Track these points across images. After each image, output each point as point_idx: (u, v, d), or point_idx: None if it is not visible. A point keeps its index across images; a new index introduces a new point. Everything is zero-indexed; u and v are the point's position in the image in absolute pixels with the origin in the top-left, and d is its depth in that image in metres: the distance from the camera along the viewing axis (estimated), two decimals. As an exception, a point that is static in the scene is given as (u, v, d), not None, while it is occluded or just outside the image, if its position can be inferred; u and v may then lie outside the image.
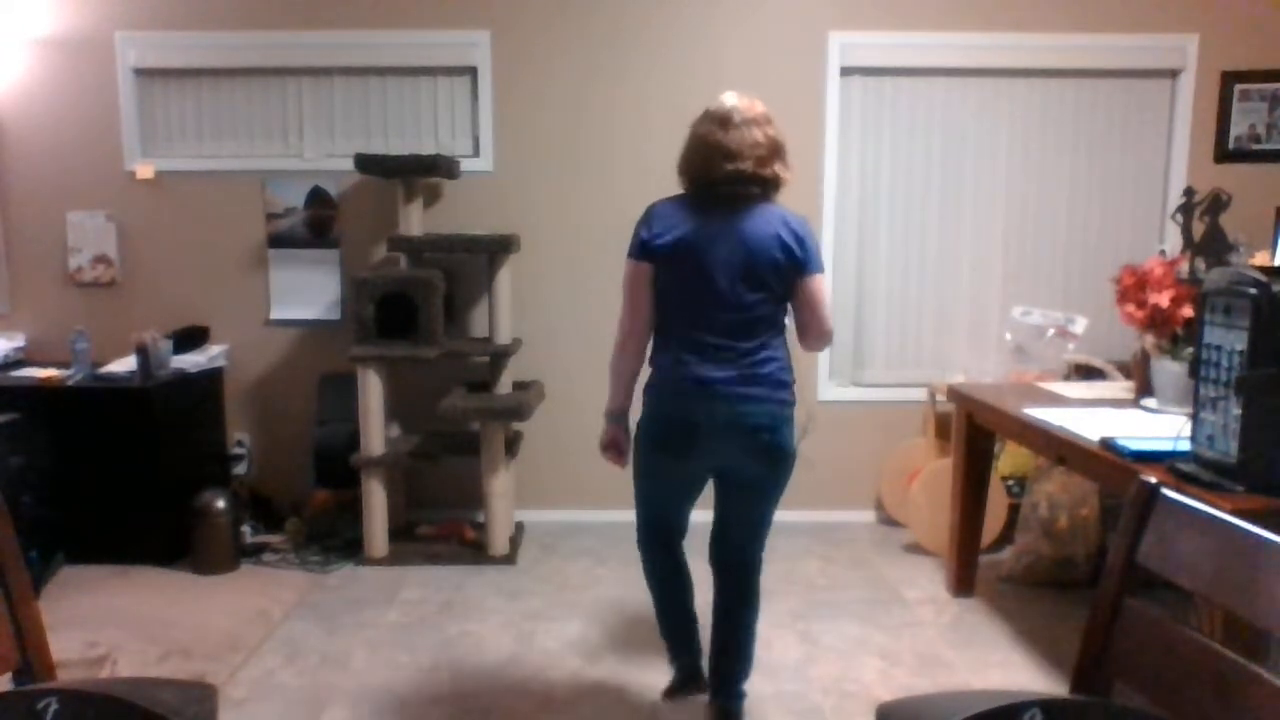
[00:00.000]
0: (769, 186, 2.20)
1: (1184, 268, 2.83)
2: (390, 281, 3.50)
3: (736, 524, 2.32)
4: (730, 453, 2.17)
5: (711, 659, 2.37)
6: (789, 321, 2.27)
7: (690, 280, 2.15)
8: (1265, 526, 1.21)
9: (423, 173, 3.64)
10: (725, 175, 2.14)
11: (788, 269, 2.15)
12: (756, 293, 2.15)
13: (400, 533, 3.80)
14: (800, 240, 2.16)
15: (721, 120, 2.16)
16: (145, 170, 3.96)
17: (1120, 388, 3.18)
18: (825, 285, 2.21)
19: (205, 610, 3.13)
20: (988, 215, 4.04)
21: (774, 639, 2.94)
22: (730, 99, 2.20)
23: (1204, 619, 1.95)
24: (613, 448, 2.35)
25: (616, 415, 2.33)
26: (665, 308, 2.22)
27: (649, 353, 2.28)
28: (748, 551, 2.34)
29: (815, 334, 2.22)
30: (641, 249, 2.20)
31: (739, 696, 2.35)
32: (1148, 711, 1.30)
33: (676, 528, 2.40)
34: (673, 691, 2.45)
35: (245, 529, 3.69)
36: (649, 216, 2.22)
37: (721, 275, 2.13)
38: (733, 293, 2.14)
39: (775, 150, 2.19)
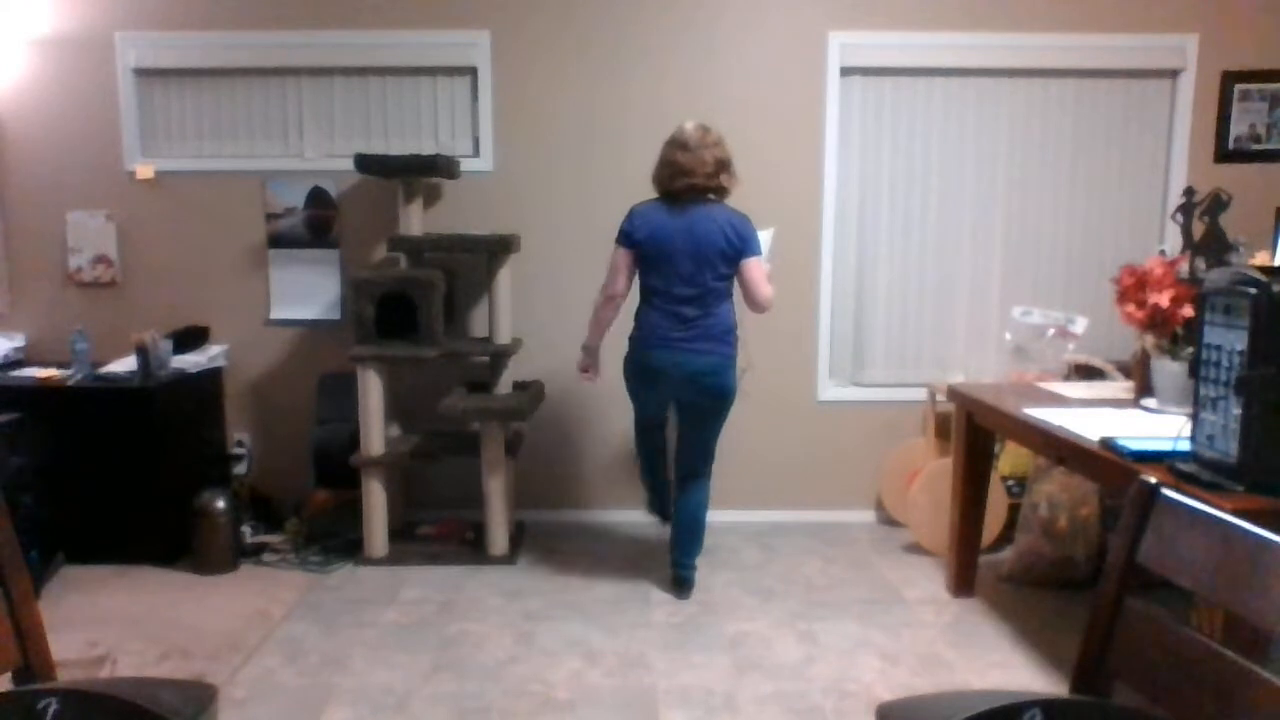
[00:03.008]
0: (718, 193, 3.05)
1: (1184, 268, 2.83)
2: (390, 281, 3.50)
3: (691, 441, 3.20)
4: (684, 389, 3.06)
5: (672, 542, 3.29)
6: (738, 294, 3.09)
7: (661, 264, 3.00)
8: (1265, 526, 1.21)
9: (423, 173, 3.64)
10: (682, 187, 3.00)
11: (731, 254, 2.99)
12: (708, 272, 2.98)
13: (400, 533, 3.80)
14: (740, 234, 2.98)
15: (681, 145, 3.00)
16: (145, 170, 3.96)
17: (1120, 388, 3.18)
18: (760, 265, 3.03)
19: (205, 610, 3.13)
20: (987, 215, 4.04)
21: (774, 639, 2.94)
22: (688, 127, 3.03)
23: (1204, 619, 1.95)
24: (588, 370, 3.30)
25: (592, 350, 3.27)
26: (644, 283, 3.07)
27: (635, 314, 3.11)
28: (699, 461, 3.23)
29: (755, 301, 3.05)
30: (625, 239, 3.07)
31: (691, 568, 3.29)
32: (1148, 711, 1.30)
33: (657, 420, 3.36)
34: (649, 511, 3.68)
35: (245, 529, 3.69)
36: (631, 215, 3.07)
37: (683, 260, 2.97)
38: (691, 273, 2.98)
39: (721, 166, 3.02)
